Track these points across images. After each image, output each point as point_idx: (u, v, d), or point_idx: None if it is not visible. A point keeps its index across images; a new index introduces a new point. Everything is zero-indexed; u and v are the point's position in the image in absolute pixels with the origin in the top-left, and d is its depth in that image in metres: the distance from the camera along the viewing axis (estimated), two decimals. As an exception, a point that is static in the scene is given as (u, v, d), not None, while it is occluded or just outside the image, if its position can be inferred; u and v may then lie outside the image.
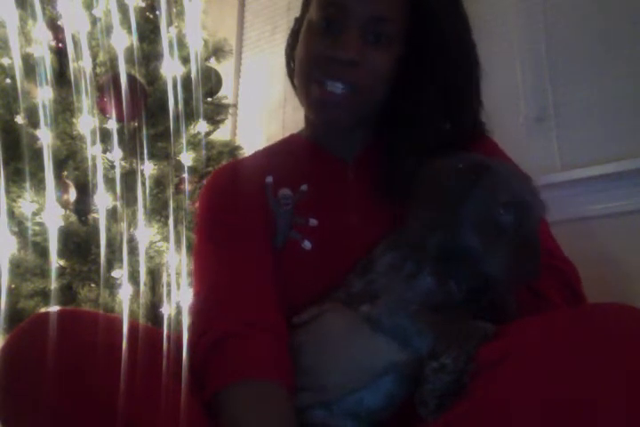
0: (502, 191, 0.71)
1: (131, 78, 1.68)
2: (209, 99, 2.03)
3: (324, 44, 0.84)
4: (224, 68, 2.15)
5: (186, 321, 0.80)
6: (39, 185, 1.56)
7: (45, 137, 1.62)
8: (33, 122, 1.64)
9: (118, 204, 1.63)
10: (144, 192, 1.68)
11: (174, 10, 1.94)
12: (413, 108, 0.88)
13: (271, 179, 0.92)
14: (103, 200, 1.61)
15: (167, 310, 1.61)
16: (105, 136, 1.68)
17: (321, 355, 0.75)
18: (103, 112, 1.67)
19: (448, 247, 0.74)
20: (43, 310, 1.48)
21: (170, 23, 1.90)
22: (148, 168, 1.75)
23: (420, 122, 0.87)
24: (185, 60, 1.88)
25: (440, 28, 0.85)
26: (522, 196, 0.72)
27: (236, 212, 0.89)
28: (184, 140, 1.80)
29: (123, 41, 1.74)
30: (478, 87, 0.89)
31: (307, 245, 0.86)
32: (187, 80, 1.83)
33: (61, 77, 1.72)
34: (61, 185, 1.61)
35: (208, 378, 0.72)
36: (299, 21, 0.96)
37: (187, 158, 1.81)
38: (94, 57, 1.74)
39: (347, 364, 0.73)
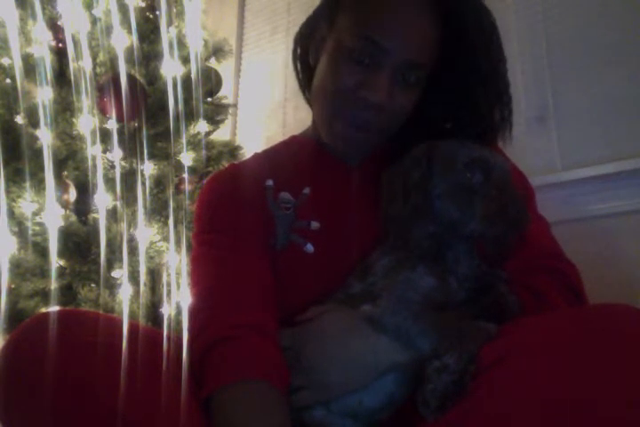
0: (460, 158, 0.75)
1: (131, 78, 1.68)
2: (209, 99, 2.03)
3: (355, 79, 0.82)
4: (224, 68, 2.15)
5: (185, 321, 0.80)
6: (39, 185, 1.56)
7: (45, 137, 1.61)
8: (33, 122, 1.64)
9: (118, 204, 1.63)
10: (144, 192, 1.68)
11: (174, 10, 1.94)
12: (429, 117, 0.88)
13: (272, 182, 0.91)
14: (103, 200, 1.61)
15: (167, 310, 1.60)
16: (105, 136, 1.68)
17: (322, 354, 0.75)
18: (103, 112, 1.67)
19: (432, 232, 0.75)
20: (43, 310, 1.48)
21: (170, 23, 1.89)
22: (148, 168, 1.74)
23: (431, 129, 0.87)
24: (185, 60, 1.87)
25: (478, 67, 0.84)
26: (477, 154, 0.75)
27: (234, 215, 0.89)
28: (184, 141, 1.80)
29: (123, 41, 1.74)
30: (506, 122, 0.88)
31: (309, 248, 0.86)
32: (187, 80, 1.83)
33: (61, 77, 1.72)
34: (61, 185, 1.61)
35: (203, 380, 0.72)
36: (317, 16, 0.93)
37: (187, 158, 1.81)
38: (94, 57, 1.73)
39: (347, 363, 0.73)
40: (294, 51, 0.97)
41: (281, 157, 0.98)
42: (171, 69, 1.82)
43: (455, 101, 0.87)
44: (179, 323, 1.54)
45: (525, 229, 0.76)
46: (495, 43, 0.85)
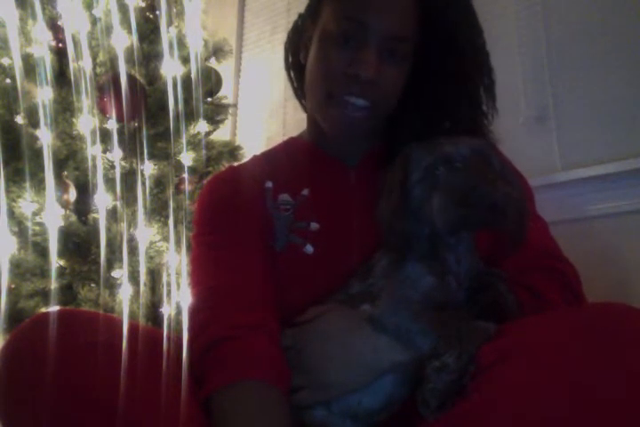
0: (426, 157, 0.74)
1: (131, 78, 1.68)
2: (209, 99, 2.03)
3: (344, 59, 0.84)
4: (224, 68, 2.15)
5: (186, 321, 0.80)
6: (39, 185, 1.56)
7: (45, 137, 1.62)
8: (33, 122, 1.64)
9: (118, 204, 1.63)
10: (144, 192, 1.68)
11: (174, 10, 1.94)
12: (420, 110, 0.89)
13: (271, 184, 0.92)
14: (103, 200, 1.61)
15: (167, 310, 1.61)
16: (105, 136, 1.68)
17: (322, 354, 0.75)
18: (103, 112, 1.67)
19: (427, 233, 0.75)
20: (43, 310, 1.49)
21: (170, 23, 1.90)
22: (148, 168, 1.74)
23: (423, 124, 0.88)
24: (185, 60, 1.87)
25: (457, 41, 0.86)
26: (441, 149, 0.74)
27: (233, 217, 0.89)
28: (184, 140, 1.80)
29: (123, 41, 1.74)
30: (490, 92, 0.90)
31: (308, 249, 0.87)
32: (187, 80, 1.83)
33: (61, 77, 1.72)
34: (61, 185, 1.61)
35: (203, 380, 0.72)
36: (303, 19, 0.96)
37: (187, 158, 1.81)
38: (94, 57, 1.73)
39: (348, 362, 0.73)
40: (286, 59, 1.00)
41: (279, 159, 0.99)
42: (171, 69, 1.82)
43: (440, 85, 0.88)
44: (179, 323, 1.54)
45: (514, 205, 0.71)
46: (467, 16, 0.87)
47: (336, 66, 0.85)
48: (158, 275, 1.66)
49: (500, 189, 0.69)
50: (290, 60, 1.00)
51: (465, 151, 0.73)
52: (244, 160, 1.06)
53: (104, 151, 1.70)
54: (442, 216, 0.70)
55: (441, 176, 0.72)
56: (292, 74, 1.01)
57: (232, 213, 0.90)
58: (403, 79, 0.88)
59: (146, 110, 1.73)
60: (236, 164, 1.08)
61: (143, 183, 1.69)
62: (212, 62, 2.06)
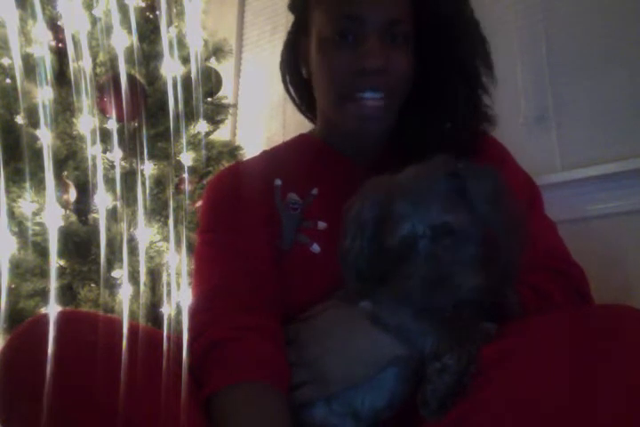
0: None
1: (131, 78, 1.68)
2: (209, 99, 2.03)
3: (347, 58, 0.84)
4: (224, 68, 2.15)
5: (186, 321, 0.80)
6: (39, 185, 1.56)
7: (45, 137, 1.61)
8: (33, 122, 1.64)
9: (118, 204, 1.63)
10: (144, 192, 1.68)
11: (174, 10, 1.94)
12: (422, 106, 0.89)
13: (280, 182, 0.91)
14: (103, 200, 1.61)
15: (167, 310, 1.61)
16: (105, 136, 1.68)
17: (323, 348, 0.75)
18: (103, 112, 1.67)
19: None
20: (43, 310, 1.49)
21: (170, 23, 1.89)
22: (148, 168, 1.74)
23: (430, 120, 0.88)
24: (185, 60, 1.87)
25: (444, 14, 0.85)
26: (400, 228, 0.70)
27: (237, 214, 0.89)
28: (184, 140, 1.80)
29: (123, 41, 1.74)
30: (486, 62, 0.89)
31: (315, 248, 0.86)
32: (187, 80, 1.83)
33: (61, 77, 1.72)
34: (61, 185, 1.61)
35: (204, 381, 0.72)
36: (293, 34, 0.96)
37: (187, 158, 1.81)
38: (94, 57, 1.73)
39: (349, 357, 0.73)
40: (284, 79, 0.99)
41: (289, 157, 0.98)
42: (171, 69, 1.82)
43: (438, 68, 0.88)
44: (179, 323, 1.54)
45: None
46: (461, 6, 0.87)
47: (341, 66, 0.85)
48: (158, 275, 1.66)
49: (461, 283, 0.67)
50: (288, 79, 0.99)
51: (427, 226, 0.68)
52: (251, 156, 1.05)
53: (104, 151, 1.70)
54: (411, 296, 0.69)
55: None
56: (293, 91, 1.00)
57: (236, 211, 0.89)
58: (410, 61, 0.87)
59: (146, 110, 1.73)
60: (243, 160, 1.07)
61: (143, 183, 1.69)
62: (212, 62, 2.06)
